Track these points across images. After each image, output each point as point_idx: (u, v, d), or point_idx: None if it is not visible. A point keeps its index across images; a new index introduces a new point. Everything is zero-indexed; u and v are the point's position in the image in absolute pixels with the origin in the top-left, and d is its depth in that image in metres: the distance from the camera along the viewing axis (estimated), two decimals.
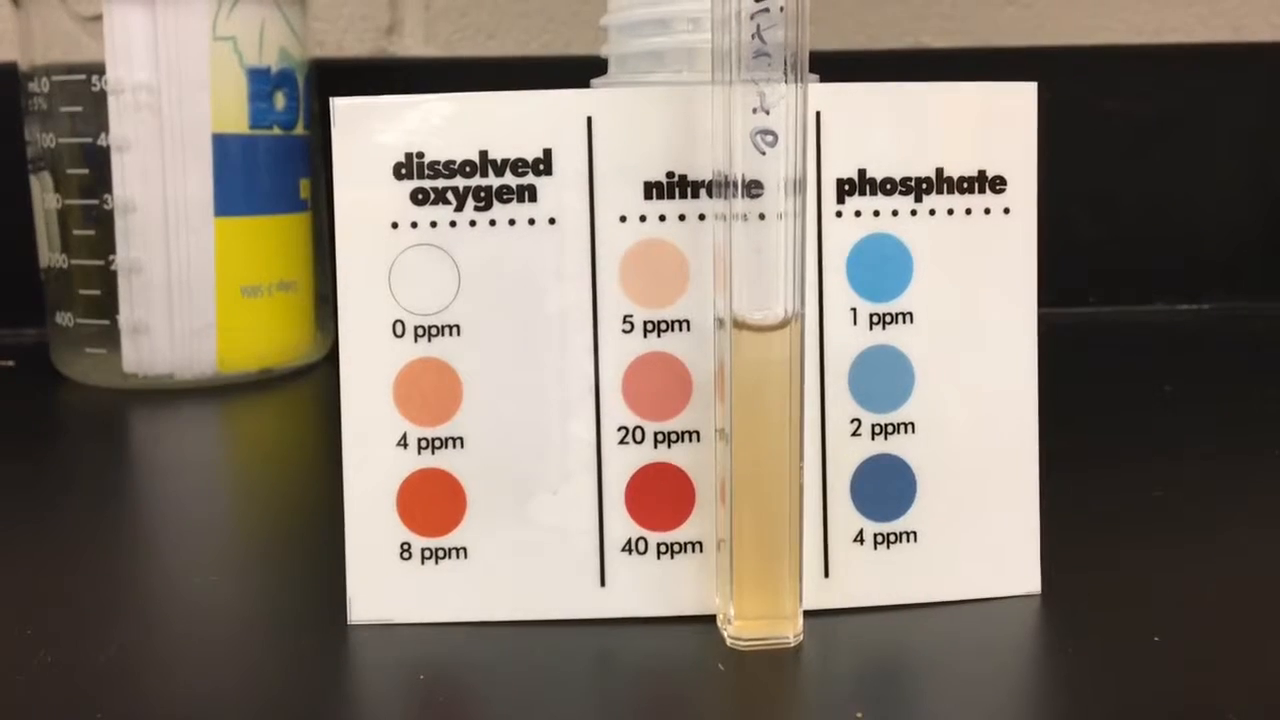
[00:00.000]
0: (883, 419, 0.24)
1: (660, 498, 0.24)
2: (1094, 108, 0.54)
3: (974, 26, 0.56)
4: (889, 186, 0.24)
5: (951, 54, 0.55)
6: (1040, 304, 0.24)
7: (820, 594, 0.24)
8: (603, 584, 0.24)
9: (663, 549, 0.24)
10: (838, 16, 0.55)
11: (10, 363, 0.48)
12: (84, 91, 0.42)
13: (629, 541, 0.24)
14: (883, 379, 0.24)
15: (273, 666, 0.23)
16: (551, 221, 0.23)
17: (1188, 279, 0.57)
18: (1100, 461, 0.33)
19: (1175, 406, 0.40)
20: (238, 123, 0.43)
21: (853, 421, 0.24)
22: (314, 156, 0.46)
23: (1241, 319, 0.55)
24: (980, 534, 0.24)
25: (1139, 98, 0.55)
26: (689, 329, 0.24)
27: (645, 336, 0.24)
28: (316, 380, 0.46)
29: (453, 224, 0.23)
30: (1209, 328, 0.54)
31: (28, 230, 0.46)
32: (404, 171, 0.23)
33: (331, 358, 0.48)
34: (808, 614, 0.23)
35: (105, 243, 0.42)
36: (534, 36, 0.55)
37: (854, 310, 0.24)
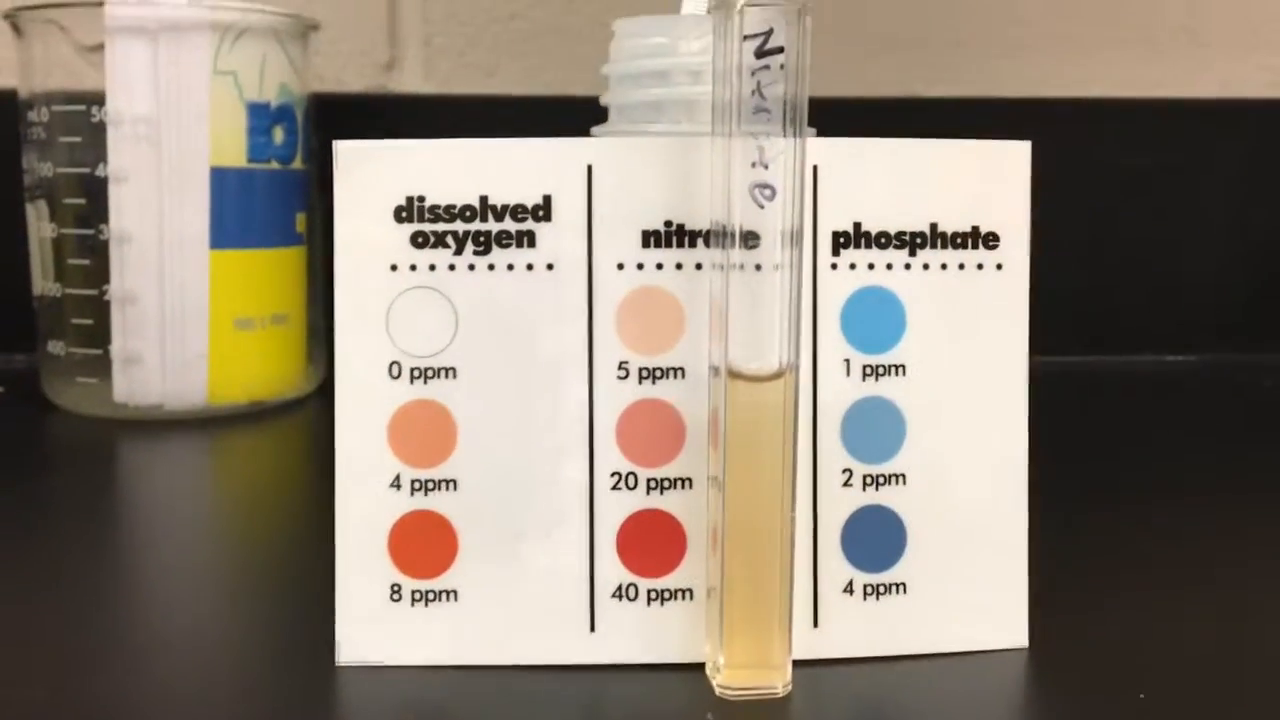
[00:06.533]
0: (874, 470, 0.24)
1: (652, 544, 0.24)
2: (1085, 158, 0.55)
3: (968, 77, 0.56)
4: (884, 240, 0.24)
5: (945, 103, 0.56)
6: (1029, 352, 0.25)
7: (809, 644, 0.24)
8: (592, 629, 0.24)
9: (653, 595, 0.24)
10: (832, 64, 0.56)
11: (0, 389, 0.48)
12: (83, 122, 0.42)
13: (619, 587, 0.24)
14: (874, 430, 0.24)
15: (259, 706, 0.23)
16: (550, 267, 0.24)
17: (1176, 329, 0.57)
18: (1088, 513, 0.34)
19: (1163, 458, 0.41)
20: (236, 156, 0.43)
21: (844, 472, 0.24)
22: (310, 190, 0.47)
23: (1230, 369, 0.55)
24: (969, 586, 0.24)
25: (1129, 149, 0.56)
26: (684, 376, 0.24)
27: (640, 383, 0.24)
28: (306, 414, 0.46)
29: (451, 267, 0.24)
30: (1197, 378, 0.55)
31: (21, 257, 0.46)
32: (404, 214, 0.23)
33: (322, 391, 0.48)
34: (797, 664, 0.23)
35: (99, 272, 0.43)
36: (533, 76, 0.55)
37: (847, 361, 0.24)
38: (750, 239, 0.22)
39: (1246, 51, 0.57)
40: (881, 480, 0.24)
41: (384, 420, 0.24)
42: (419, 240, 0.23)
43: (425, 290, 0.24)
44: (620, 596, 0.24)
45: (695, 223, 0.24)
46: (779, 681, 0.22)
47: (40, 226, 0.44)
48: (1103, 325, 0.57)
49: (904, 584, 0.24)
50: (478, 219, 0.24)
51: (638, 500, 0.24)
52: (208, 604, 0.28)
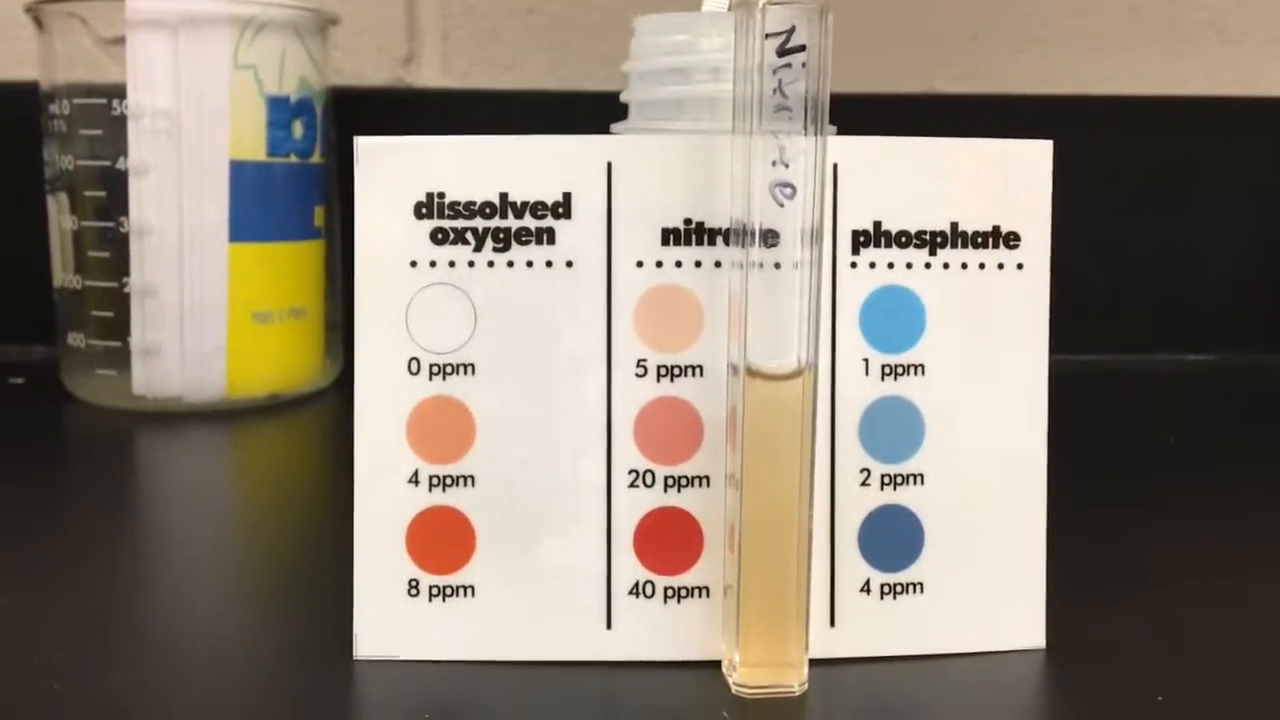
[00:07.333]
0: (892, 470, 0.24)
1: (668, 542, 0.24)
2: (1104, 156, 0.55)
3: (987, 73, 0.56)
4: (904, 239, 0.24)
5: (965, 100, 0.55)
6: (1048, 351, 0.24)
7: (826, 643, 0.24)
8: (609, 626, 0.24)
9: (670, 593, 0.24)
10: (851, 60, 0.55)
11: (20, 380, 0.48)
12: (104, 115, 0.42)
13: (636, 584, 0.24)
14: (893, 430, 0.24)
15: (276, 699, 0.23)
16: (569, 264, 0.24)
17: (1196, 328, 0.57)
18: (1105, 514, 0.33)
19: (1181, 458, 0.41)
20: (255, 150, 0.43)
21: (862, 471, 0.24)
22: (329, 184, 0.47)
23: (1246, 370, 0.55)
24: (986, 586, 0.24)
25: (1149, 147, 0.56)
26: (702, 374, 0.24)
27: (658, 381, 0.24)
28: (324, 406, 0.46)
29: (471, 264, 0.24)
30: (1214, 378, 0.54)
31: (41, 249, 0.46)
32: (424, 211, 0.23)
33: (339, 385, 0.48)
34: (813, 663, 0.23)
35: (119, 265, 0.43)
36: (550, 71, 0.55)
37: (866, 361, 0.24)
38: (770, 237, 0.22)
39: (1273, 49, 0.57)
40: (899, 480, 0.24)
41: (403, 416, 0.24)
42: (439, 236, 0.23)
43: (445, 287, 0.24)
44: (637, 594, 0.24)
45: (715, 221, 0.23)
46: (795, 680, 0.22)
47: (61, 219, 0.44)
48: (1122, 324, 0.57)
49: (921, 584, 0.24)
50: (497, 216, 0.24)
51: (655, 498, 0.24)
52: (225, 597, 0.28)
